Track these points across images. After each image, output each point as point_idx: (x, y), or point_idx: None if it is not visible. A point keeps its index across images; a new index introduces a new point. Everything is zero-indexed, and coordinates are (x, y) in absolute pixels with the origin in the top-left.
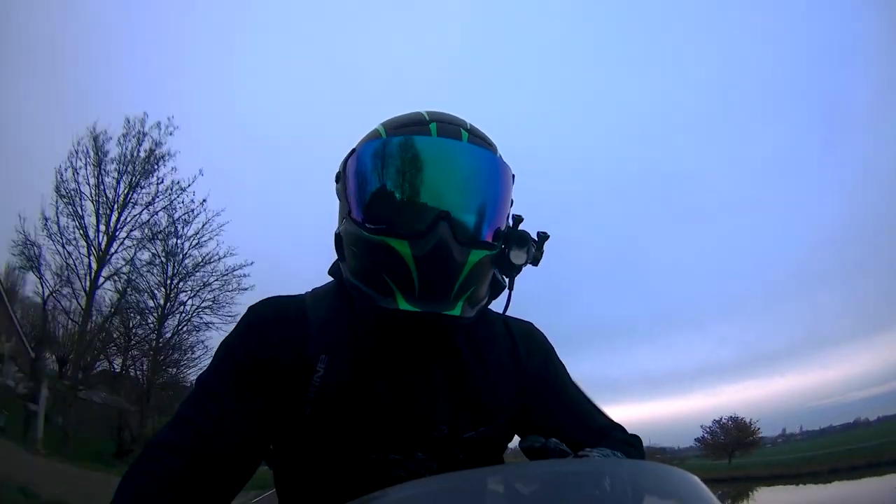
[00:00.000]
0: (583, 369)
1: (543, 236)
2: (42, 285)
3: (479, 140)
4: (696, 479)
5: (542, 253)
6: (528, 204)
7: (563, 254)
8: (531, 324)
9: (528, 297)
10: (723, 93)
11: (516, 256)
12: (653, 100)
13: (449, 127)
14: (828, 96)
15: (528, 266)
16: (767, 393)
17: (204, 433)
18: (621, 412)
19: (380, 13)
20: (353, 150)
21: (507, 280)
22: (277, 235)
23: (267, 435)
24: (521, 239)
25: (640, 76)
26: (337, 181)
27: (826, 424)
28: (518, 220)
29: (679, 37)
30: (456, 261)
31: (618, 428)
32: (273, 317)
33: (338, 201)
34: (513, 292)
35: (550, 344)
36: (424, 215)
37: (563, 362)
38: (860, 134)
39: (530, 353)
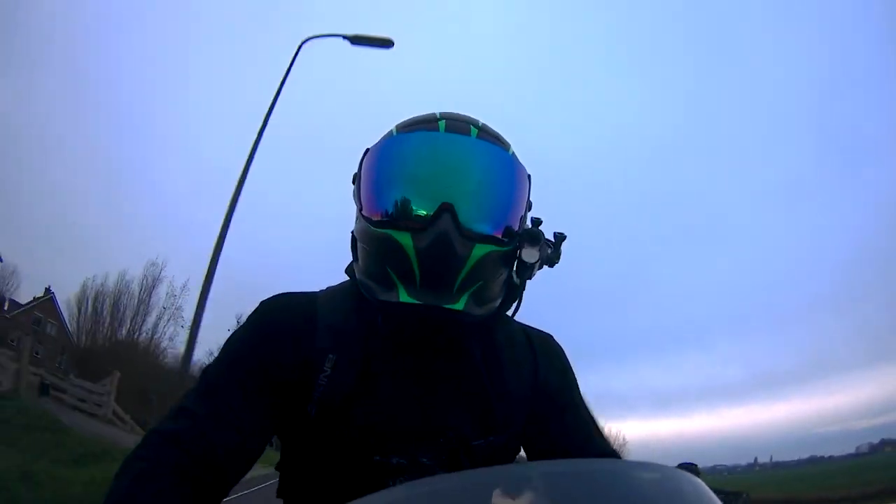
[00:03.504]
0: (589, 382)
1: (560, 237)
2: None
3: (490, 137)
4: (700, 481)
5: (559, 255)
6: (547, 214)
7: (574, 266)
8: (551, 336)
9: (537, 307)
10: (739, 116)
11: (528, 255)
12: (670, 120)
13: (458, 124)
14: (843, 125)
15: (542, 276)
16: (769, 417)
17: (204, 426)
18: (626, 428)
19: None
20: (367, 150)
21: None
22: (296, 236)
23: (268, 432)
24: (533, 237)
25: (658, 96)
26: (353, 182)
27: (808, 455)
28: (537, 222)
29: (695, 59)
30: (458, 254)
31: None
32: (283, 313)
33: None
34: (525, 300)
35: (568, 359)
36: (428, 208)
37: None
38: (875, 162)
39: (548, 366)
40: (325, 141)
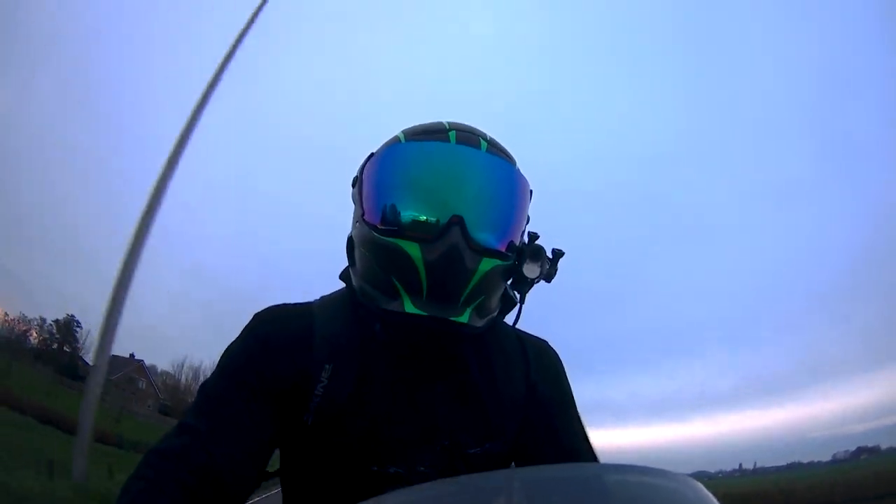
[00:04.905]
0: (585, 391)
1: (558, 253)
2: None
3: (498, 151)
4: (700, 485)
5: (555, 270)
6: (536, 222)
7: (570, 276)
8: (546, 342)
9: (533, 316)
10: (737, 123)
11: (529, 270)
12: (668, 127)
13: (468, 136)
14: (840, 130)
15: (539, 284)
16: (765, 422)
17: (205, 441)
18: (622, 436)
19: (405, 28)
20: (372, 155)
21: (518, 295)
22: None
23: (270, 444)
24: (536, 253)
25: (656, 103)
26: (353, 185)
27: (791, 460)
28: (534, 237)
29: (695, 63)
30: (467, 267)
31: None
32: (278, 324)
33: (352, 206)
34: (523, 308)
35: (563, 366)
36: (437, 220)
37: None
38: (871, 167)
39: (541, 373)
40: (322, 145)
